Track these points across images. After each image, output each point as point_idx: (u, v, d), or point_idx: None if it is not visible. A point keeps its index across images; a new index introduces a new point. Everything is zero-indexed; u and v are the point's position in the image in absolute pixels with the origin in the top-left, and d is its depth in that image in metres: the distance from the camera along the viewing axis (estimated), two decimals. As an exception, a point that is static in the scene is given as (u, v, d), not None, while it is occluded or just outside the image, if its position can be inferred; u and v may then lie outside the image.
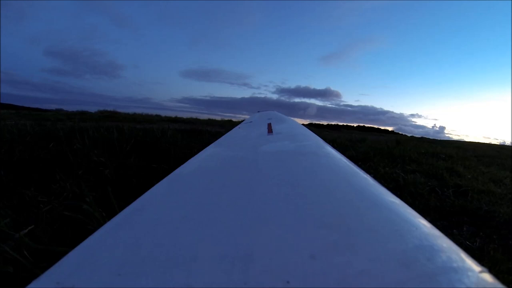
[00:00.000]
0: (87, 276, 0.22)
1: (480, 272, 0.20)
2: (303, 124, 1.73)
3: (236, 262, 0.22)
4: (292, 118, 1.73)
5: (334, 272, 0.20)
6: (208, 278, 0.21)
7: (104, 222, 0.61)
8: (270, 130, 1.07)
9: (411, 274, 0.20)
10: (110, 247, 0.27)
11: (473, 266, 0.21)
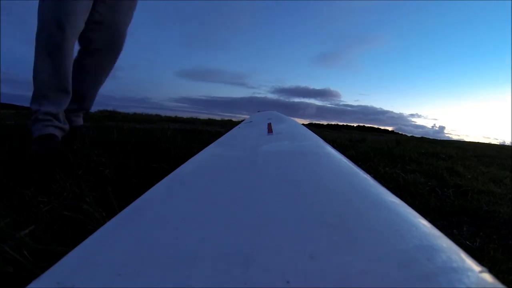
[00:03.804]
0: (87, 276, 0.22)
1: (480, 272, 0.20)
2: (303, 124, 1.72)
3: (236, 262, 0.22)
4: (292, 118, 1.73)
5: (334, 272, 0.20)
6: (208, 278, 0.21)
7: (104, 222, 0.61)
8: (270, 130, 1.07)
9: (411, 274, 0.20)
10: (110, 247, 0.27)
11: (473, 266, 0.21)
